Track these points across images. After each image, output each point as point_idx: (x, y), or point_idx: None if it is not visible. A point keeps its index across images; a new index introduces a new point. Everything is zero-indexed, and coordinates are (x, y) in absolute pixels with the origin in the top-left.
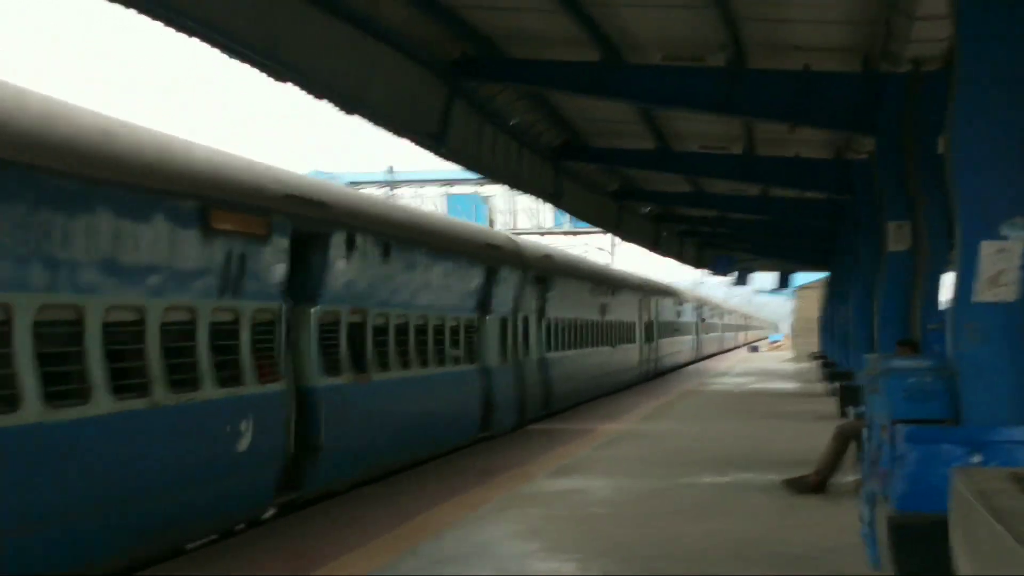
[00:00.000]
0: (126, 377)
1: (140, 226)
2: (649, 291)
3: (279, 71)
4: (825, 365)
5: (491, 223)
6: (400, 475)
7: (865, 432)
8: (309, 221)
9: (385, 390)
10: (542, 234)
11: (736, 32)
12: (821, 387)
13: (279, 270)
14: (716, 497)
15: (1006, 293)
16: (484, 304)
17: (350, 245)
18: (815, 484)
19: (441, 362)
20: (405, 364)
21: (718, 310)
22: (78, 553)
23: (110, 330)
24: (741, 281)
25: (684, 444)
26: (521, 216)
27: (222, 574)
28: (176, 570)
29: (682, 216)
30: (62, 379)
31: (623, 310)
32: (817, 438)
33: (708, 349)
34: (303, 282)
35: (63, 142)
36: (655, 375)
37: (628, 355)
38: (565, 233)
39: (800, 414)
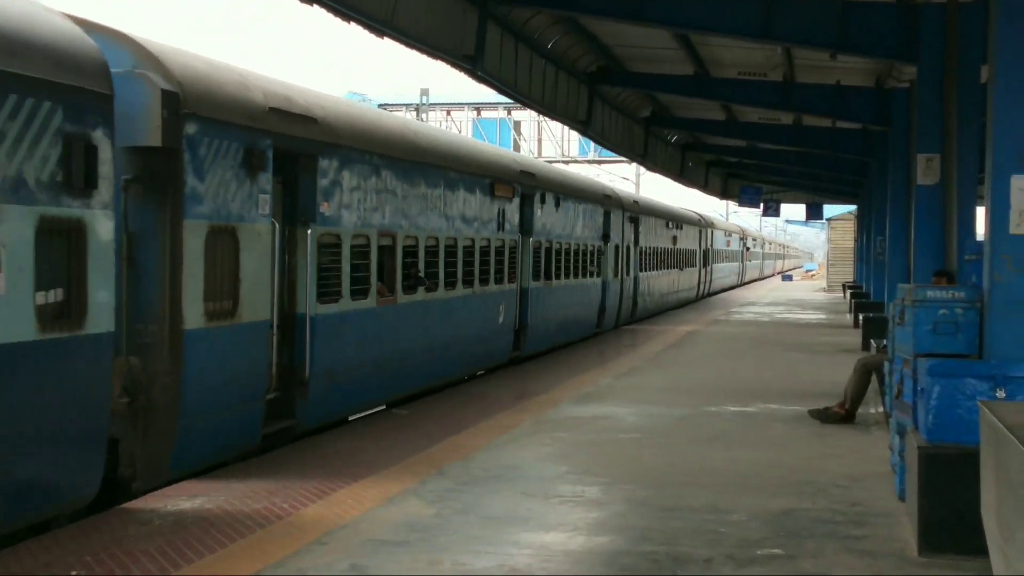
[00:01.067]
0: (453, 278)
1: (467, 194)
2: (706, 224)
3: None
4: (855, 295)
5: (517, 148)
6: (431, 396)
7: (887, 366)
8: (530, 188)
9: (558, 292)
10: (567, 162)
11: None
12: (851, 319)
13: (517, 216)
14: (742, 426)
15: None
16: (604, 235)
17: (543, 201)
18: (841, 415)
19: (586, 275)
20: (568, 275)
21: (759, 240)
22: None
23: (440, 250)
24: (773, 212)
25: (710, 374)
26: (547, 144)
27: (272, 480)
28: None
29: (710, 145)
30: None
31: (688, 240)
32: (844, 370)
33: (751, 275)
34: (525, 223)
35: (446, 150)
36: (709, 295)
37: (691, 277)
38: (590, 162)
39: (828, 345)
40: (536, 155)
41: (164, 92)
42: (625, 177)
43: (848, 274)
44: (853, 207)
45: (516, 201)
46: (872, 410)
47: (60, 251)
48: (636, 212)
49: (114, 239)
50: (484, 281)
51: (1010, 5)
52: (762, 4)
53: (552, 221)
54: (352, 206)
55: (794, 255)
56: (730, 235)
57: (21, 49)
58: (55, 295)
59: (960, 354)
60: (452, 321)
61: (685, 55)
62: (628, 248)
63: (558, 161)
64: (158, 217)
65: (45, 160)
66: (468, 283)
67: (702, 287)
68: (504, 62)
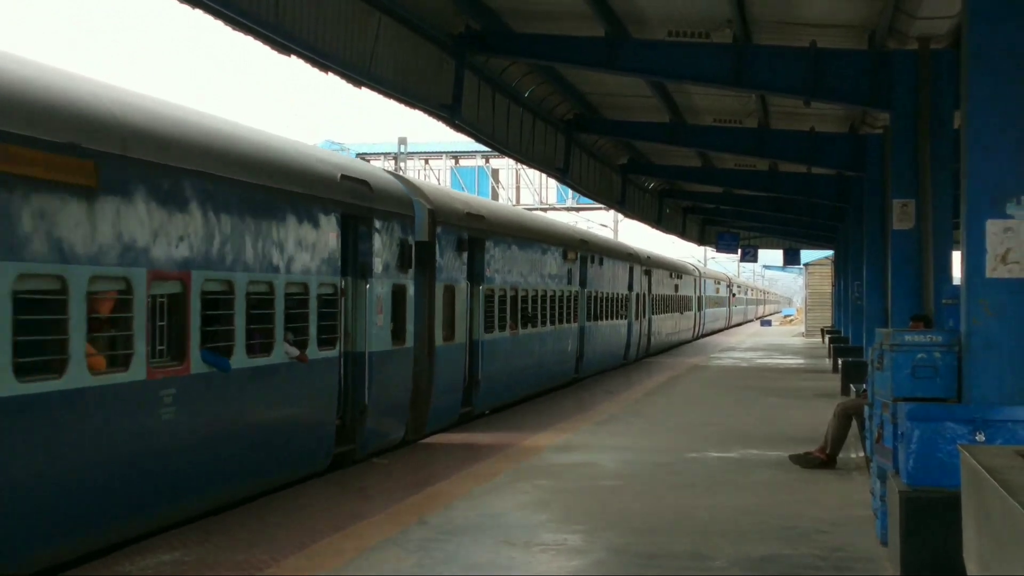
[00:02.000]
0: (544, 317)
1: (552, 259)
2: (701, 275)
3: (284, 45)
4: (834, 340)
5: (495, 196)
6: (411, 446)
7: (867, 410)
8: (585, 252)
9: (603, 329)
10: (545, 209)
11: (741, 8)
12: (830, 363)
13: (577, 274)
14: (724, 472)
15: (1019, 270)
16: (630, 286)
17: (592, 261)
18: (822, 459)
19: (619, 317)
20: (608, 317)
21: (743, 287)
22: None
23: (539, 298)
24: (751, 258)
25: (690, 420)
26: (525, 192)
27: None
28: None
29: (687, 192)
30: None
31: (686, 288)
32: (824, 415)
33: (736, 319)
34: (582, 278)
35: (541, 229)
36: (702, 335)
37: (689, 320)
38: (568, 209)
39: (807, 391)
40: (515, 203)
41: (429, 211)
42: (603, 224)
43: (826, 319)
44: (830, 252)
45: (577, 263)
46: (853, 455)
47: (397, 302)
48: (649, 266)
49: (414, 295)
50: (560, 320)
51: (980, 51)
52: (735, 52)
53: (598, 276)
54: (499, 271)
55: (773, 300)
56: (719, 283)
57: (391, 199)
58: (393, 326)
59: (939, 398)
60: (544, 347)
61: (660, 103)
62: (644, 296)
63: (537, 208)
64: (425, 281)
65: (396, 255)
66: (552, 322)
67: (697, 328)
68: (482, 111)
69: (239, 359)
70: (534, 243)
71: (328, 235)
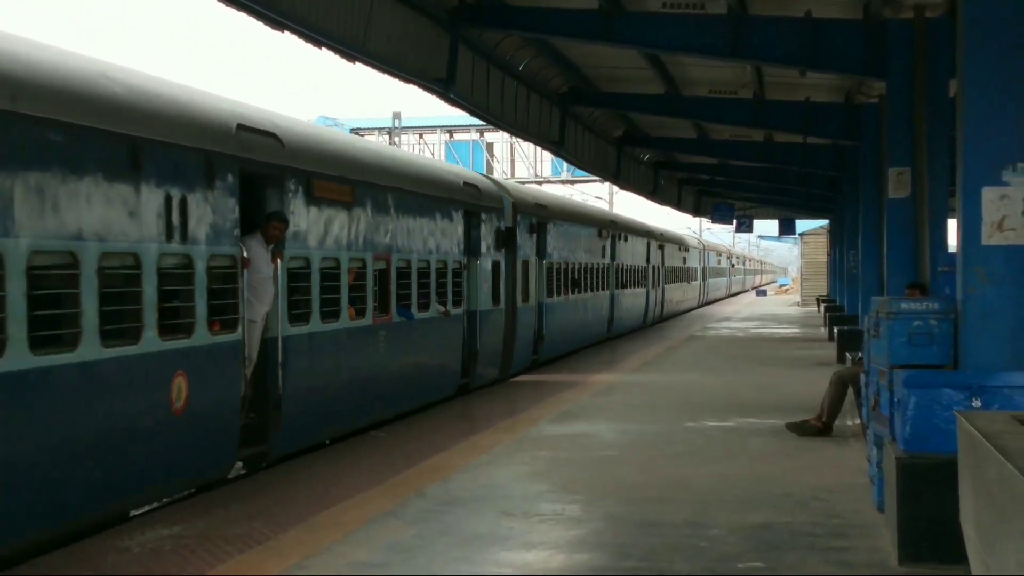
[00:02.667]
0: (589, 285)
1: (592, 237)
2: (705, 248)
3: (278, 21)
4: (830, 309)
5: (490, 169)
6: (410, 417)
7: (863, 378)
8: (614, 231)
9: (627, 296)
10: (540, 182)
11: None
12: (825, 332)
13: (609, 249)
14: (720, 440)
15: (1015, 237)
16: (648, 259)
17: (619, 238)
18: (819, 427)
19: (640, 286)
20: (630, 286)
21: (742, 258)
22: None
23: (583, 270)
24: (746, 228)
25: (687, 390)
26: (519, 165)
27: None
28: (212, 499)
29: (683, 164)
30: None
31: (692, 260)
32: (820, 384)
33: (735, 288)
34: (612, 253)
35: (583, 212)
36: (705, 303)
37: (695, 290)
38: (563, 182)
39: (803, 359)
40: (509, 176)
41: (512, 203)
42: (598, 196)
43: (821, 288)
44: (825, 222)
45: (608, 240)
46: (849, 422)
47: (495, 273)
48: (662, 241)
49: (505, 269)
50: (598, 288)
51: (976, 19)
52: (731, 23)
53: (624, 251)
54: (556, 248)
55: (769, 270)
56: (720, 255)
57: (490, 197)
58: (492, 291)
59: (935, 365)
60: (587, 310)
61: (655, 74)
62: (658, 268)
63: (531, 182)
64: (510, 258)
65: (493, 238)
66: (592, 289)
67: (701, 297)
68: (476, 84)
69: (414, 313)
70: (578, 225)
71: (458, 227)
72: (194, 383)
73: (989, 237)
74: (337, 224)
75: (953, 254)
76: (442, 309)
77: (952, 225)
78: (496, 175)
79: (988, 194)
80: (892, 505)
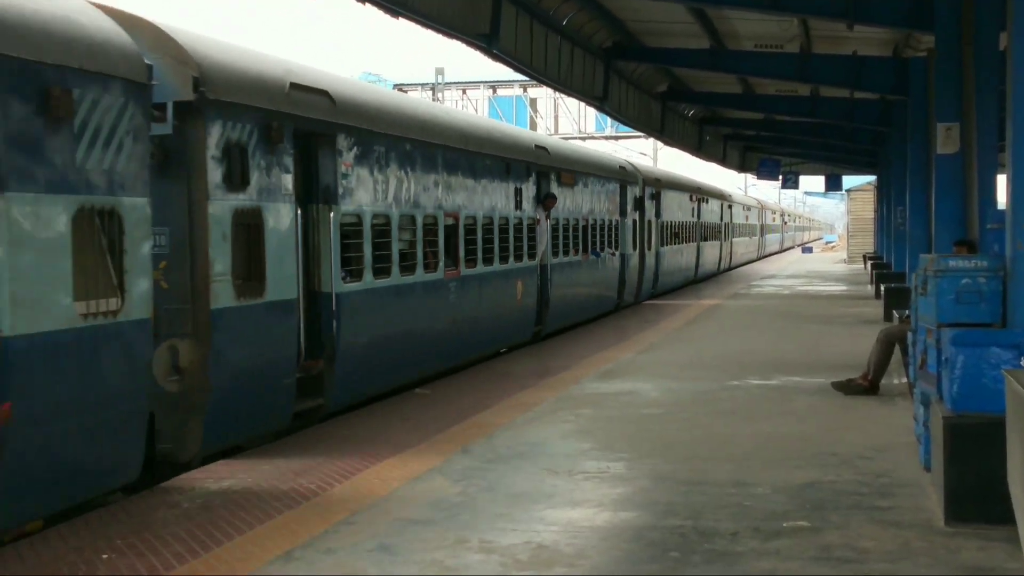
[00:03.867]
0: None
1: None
2: (763, 207)
3: None
4: (876, 267)
5: (533, 126)
6: (453, 376)
7: (910, 336)
8: (656, 186)
9: (677, 253)
10: (584, 138)
11: None
12: (872, 290)
13: (653, 208)
14: (765, 399)
15: None
16: (696, 214)
17: (704, 200)
18: (865, 386)
19: (688, 241)
20: (682, 242)
21: (792, 216)
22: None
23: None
24: (792, 184)
25: (730, 348)
26: (563, 120)
27: (305, 458)
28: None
29: (728, 119)
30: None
31: (752, 218)
32: (866, 342)
33: (787, 243)
34: (696, 212)
35: (682, 180)
36: (762, 257)
37: (753, 244)
38: (607, 138)
39: (849, 317)
40: (552, 132)
41: (642, 178)
42: (643, 152)
43: (868, 245)
44: (872, 178)
45: (696, 203)
46: (895, 381)
47: (634, 228)
48: (731, 202)
49: (639, 225)
50: (690, 241)
51: None
52: None
53: (706, 211)
54: (667, 211)
55: (816, 227)
56: (775, 213)
57: (632, 175)
58: (634, 241)
59: (984, 323)
60: (685, 256)
61: (700, 28)
62: (728, 225)
63: (575, 137)
64: (642, 218)
65: (632, 204)
66: (687, 241)
67: (760, 250)
68: (519, 40)
69: (600, 253)
70: (680, 192)
71: (615, 196)
72: (527, 287)
73: None
74: (590, 197)
75: (1002, 211)
76: (611, 251)
77: (1002, 181)
78: (540, 131)
79: None
80: (939, 464)
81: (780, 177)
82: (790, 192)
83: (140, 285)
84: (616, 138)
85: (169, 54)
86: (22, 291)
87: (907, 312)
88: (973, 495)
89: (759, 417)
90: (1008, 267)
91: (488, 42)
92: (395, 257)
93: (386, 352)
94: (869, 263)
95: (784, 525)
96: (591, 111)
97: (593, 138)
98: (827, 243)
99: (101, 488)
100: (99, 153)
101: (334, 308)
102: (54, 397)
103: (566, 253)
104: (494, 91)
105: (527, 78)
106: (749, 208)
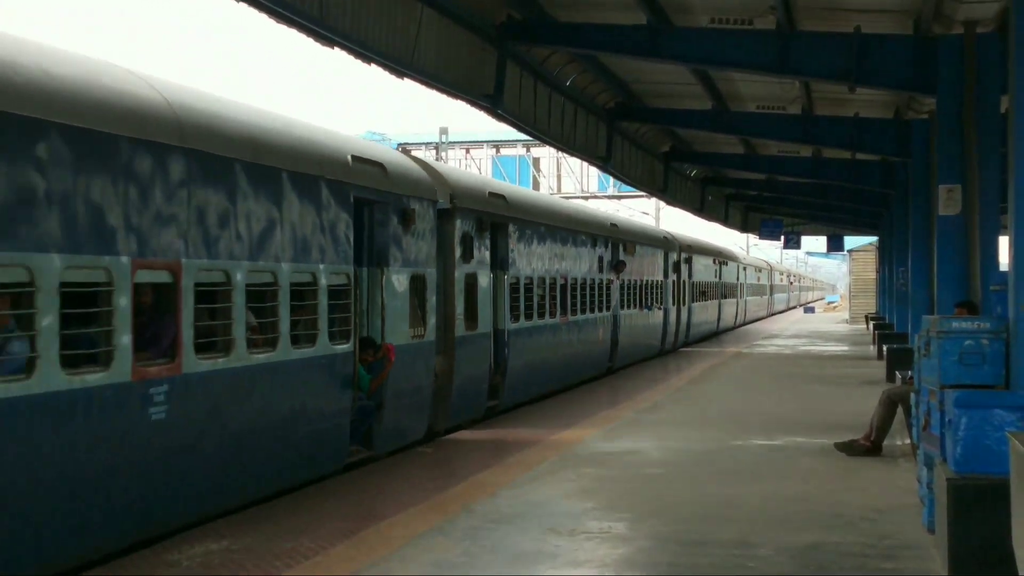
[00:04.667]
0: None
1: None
2: (772, 269)
3: (327, 37)
4: (879, 327)
5: (536, 185)
6: (455, 433)
7: (913, 397)
8: (688, 252)
9: (729, 304)
10: (586, 197)
11: None
12: (874, 350)
13: (686, 271)
14: (768, 459)
15: None
16: (737, 277)
17: (724, 264)
18: (868, 447)
19: (727, 297)
20: (731, 296)
21: (798, 277)
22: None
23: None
24: (794, 244)
25: (733, 408)
26: (566, 180)
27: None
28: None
29: (730, 179)
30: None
31: (764, 279)
32: (869, 403)
33: (792, 303)
34: (719, 275)
35: (709, 248)
36: (771, 314)
37: (764, 303)
38: (609, 197)
39: (852, 378)
40: (555, 191)
41: (679, 244)
42: (645, 212)
43: (870, 305)
44: (874, 238)
45: (717, 265)
46: (898, 442)
47: (672, 288)
48: (745, 264)
49: (675, 285)
50: (712, 298)
51: None
52: (779, 38)
53: (725, 272)
54: (696, 273)
55: (819, 287)
56: (783, 275)
57: (672, 244)
58: (673, 297)
59: (987, 385)
60: (709, 312)
61: (703, 90)
62: (743, 285)
63: (577, 197)
64: (678, 278)
65: (671, 267)
66: (710, 299)
67: (769, 308)
68: (523, 100)
69: (651, 307)
70: (704, 256)
71: (660, 260)
72: (605, 332)
73: None
74: (643, 262)
75: (1005, 272)
76: (657, 306)
77: (1004, 242)
78: (543, 190)
79: None
80: (943, 526)
81: (782, 237)
82: (792, 252)
83: (430, 321)
84: (619, 197)
85: (438, 181)
86: (389, 323)
87: (910, 373)
88: (977, 557)
89: (762, 477)
90: (1011, 328)
91: (493, 102)
92: (535, 306)
93: (533, 371)
94: (871, 323)
95: None
96: (594, 170)
97: (596, 197)
98: (829, 303)
99: (411, 439)
100: (418, 243)
101: (506, 339)
102: (401, 383)
103: (630, 306)
104: (497, 150)
105: (531, 138)
106: (760, 270)
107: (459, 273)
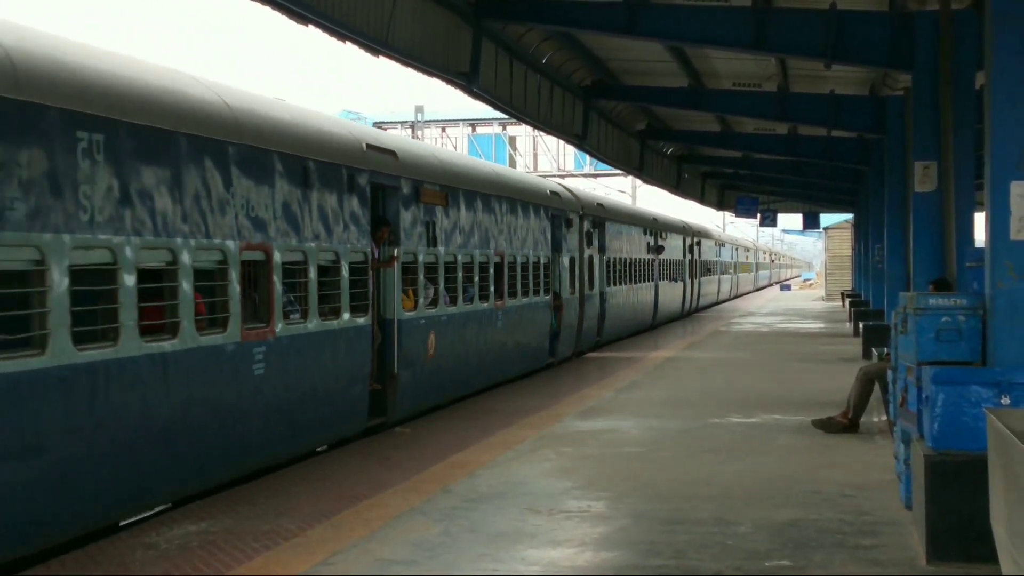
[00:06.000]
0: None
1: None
2: (756, 248)
3: (302, 15)
4: (855, 304)
5: (512, 163)
6: (434, 414)
7: (890, 374)
8: (692, 235)
9: (731, 279)
10: (562, 176)
11: None
12: (850, 327)
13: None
14: (746, 437)
15: None
16: (732, 255)
17: (722, 245)
18: (845, 424)
19: (724, 273)
20: (727, 272)
21: (778, 256)
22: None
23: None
24: (770, 222)
25: (711, 385)
26: (542, 158)
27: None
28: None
29: (706, 157)
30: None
31: (751, 257)
32: (846, 380)
33: (773, 279)
34: (688, 252)
35: (661, 220)
36: (757, 289)
37: (751, 278)
38: (586, 175)
39: (828, 355)
40: (532, 170)
41: (692, 230)
42: (621, 190)
43: (846, 283)
44: (850, 215)
45: (719, 247)
46: (875, 419)
47: (688, 265)
48: (736, 245)
49: (691, 263)
50: (712, 275)
51: (1003, 10)
52: (755, 15)
53: (724, 252)
54: (704, 254)
55: (797, 265)
56: (766, 254)
57: (690, 230)
58: (688, 272)
59: (964, 361)
60: (712, 284)
61: (679, 67)
62: (736, 263)
63: (554, 175)
64: (693, 258)
65: (687, 249)
66: (711, 274)
67: (755, 284)
68: (499, 78)
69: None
70: (710, 240)
71: (684, 242)
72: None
73: (1018, 232)
74: (669, 246)
75: (980, 249)
76: (680, 280)
77: (979, 219)
78: (519, 169)
79: (1016, 188)
80: (920, 503)
81: (758, 215)
82: (768, 230)
83: (575, 285)
84: (595, 176)
85: (577, 199)
86: (561, 284)
87: (886, 350)
88: (955, 534)
89: (740, 455)
90: (987, 305)
91: (468, 80)
92: (615, 275)
93: (620, 320)
94: (847, 300)
95: (767, 564)
96: (570, 149)
97: (572, 175)
98: (805, 280)
99: (568, 354)
100: (575, 237)
101: (605, 298)
102: (565, 321)
103: (664, 279)
104: (473, 129)
105: (507, 116)
106: (747, 249)
107: (587, 255)
